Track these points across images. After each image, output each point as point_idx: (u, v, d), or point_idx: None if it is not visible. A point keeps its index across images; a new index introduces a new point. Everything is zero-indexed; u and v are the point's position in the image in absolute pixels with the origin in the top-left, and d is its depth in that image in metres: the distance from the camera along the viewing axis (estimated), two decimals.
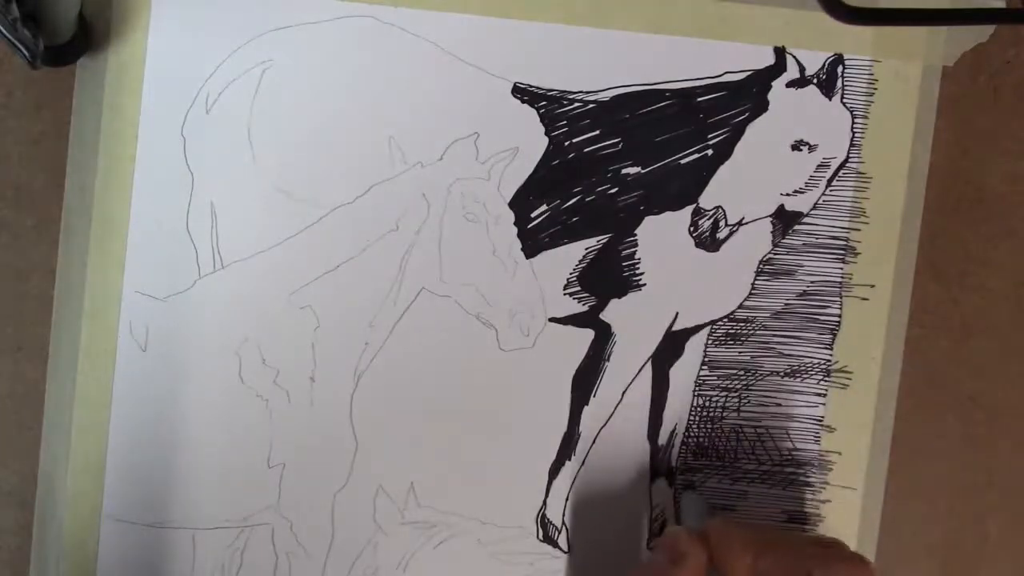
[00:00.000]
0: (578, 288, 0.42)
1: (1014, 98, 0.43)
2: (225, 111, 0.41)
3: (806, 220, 0.42)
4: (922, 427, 0.43)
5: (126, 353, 0.42)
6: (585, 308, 0.42)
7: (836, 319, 0.43)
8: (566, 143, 0.42)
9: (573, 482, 0.43)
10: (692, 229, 0.42)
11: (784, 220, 0.42)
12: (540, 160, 0.42)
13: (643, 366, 0.43)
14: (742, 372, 0.43)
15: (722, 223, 0.42)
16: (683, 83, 0.42)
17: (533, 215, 0.42)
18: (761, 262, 0.43)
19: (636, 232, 0.42)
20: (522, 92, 0.42)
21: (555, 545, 0.43)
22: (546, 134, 0.42)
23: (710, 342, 0.43)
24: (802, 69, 0.42)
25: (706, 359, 0.43)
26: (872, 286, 0.43)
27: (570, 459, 0.43)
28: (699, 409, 0.43)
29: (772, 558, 0.35)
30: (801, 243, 0.43)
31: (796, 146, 0.42)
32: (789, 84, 0.42)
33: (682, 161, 0.42)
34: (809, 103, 0.42)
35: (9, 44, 0.36)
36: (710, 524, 0.38)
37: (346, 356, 0.42)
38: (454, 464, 0.42)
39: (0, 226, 0.42)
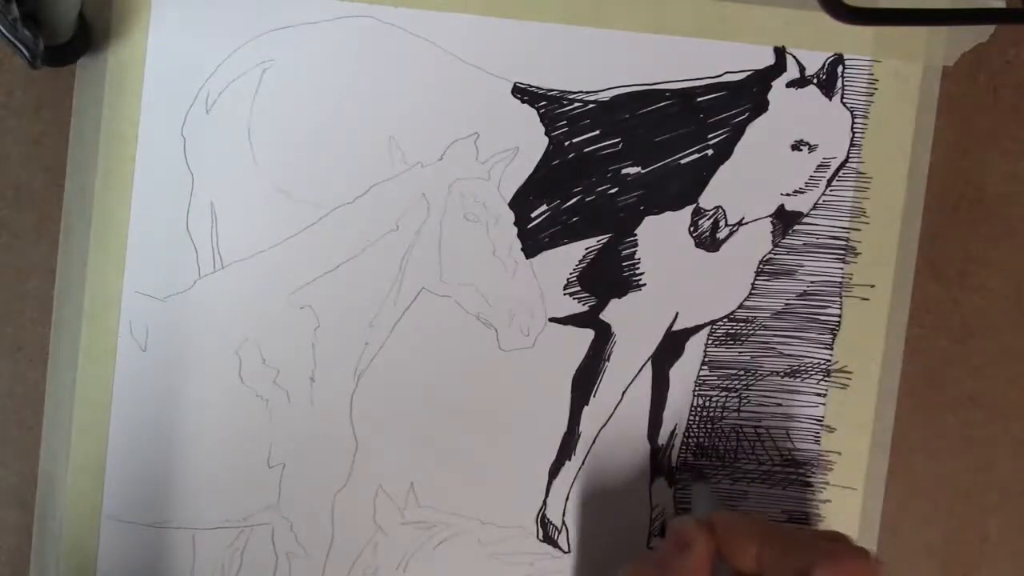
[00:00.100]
0: (578, 288, 0.42)
1: (1014, 98, 0.43)
2: (225, 111, 0.41)
3: (806, 220, 0.42)
4: (922, 427, 0.43)
5: (126, 353, 0.42)
6: (585, 308, 0.42)
7: (836, 319, 0.43)
8: (566, 143, 0.42)
9: (573, 482, 0.43)
10: (692, 229, 0.42)
11: (784, 220, 0.42)
12: (540, 160, 0.42)
13: (643, 366, 0.43)
14: (742, 372, 0.43)
15: (722, 223, 0.42)
16: (683, 83, 0.42)
17: (533, 215, 0.42)
18: (761, 262, 0.43)
19: (636, 232, 0.42)
20: (522, 92, 0.42)
21: (555, 545, 0.43)
22: (546, 134, 0.42)
23: (710, 342, 0.43)
24: (802, 69, 0.42)
25: (706, 359, 0.43)
26: (872, 286, 0.43)
27: (570, 459, 0.43)
28: (699, 409, 0.43)
29: (777, 549, 0.35)
30: (801, 243, 0.43)
31: (796, 146, 0.42)
32: (789, 84, 0.42)
33: (682, 161, 0.42)
34: (809, 103, 0.42)
35: (9, 44, 0.36)
36: (716, 515, 0.38)
37: (346, 356, 0.42)
38: (454, 464, 0.42)
39: (0, 226, 0.42)
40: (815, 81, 0.42)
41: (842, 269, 0.43)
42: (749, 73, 0.42)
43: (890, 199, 0.42)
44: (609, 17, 0.41)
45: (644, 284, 0.42)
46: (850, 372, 0.43)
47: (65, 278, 0.41)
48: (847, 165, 0.42)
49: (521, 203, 0.42)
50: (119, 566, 0.42)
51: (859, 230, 0.42)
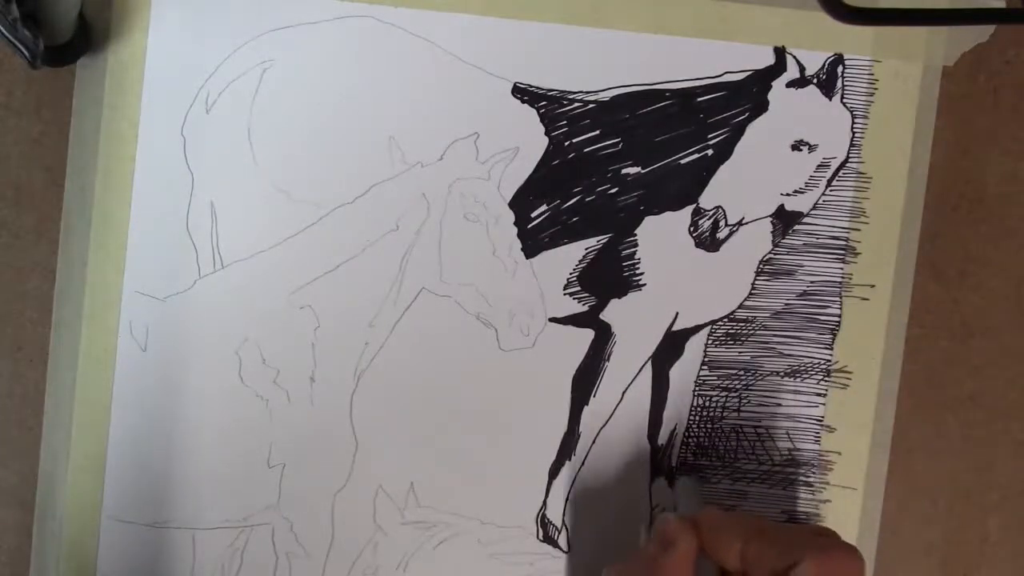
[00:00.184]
0: (578, 288, 0.42)
1: (1014, 98, 0.43)
2: (225, 111, 0.41)
3: (806, 220, 0.42)
4: (922, 427, 0.43)
5: (126, 353, 0.42)
6: (585, 308, 0.42)
7: (836, 319, 0.43)
8: (566, 143, 0.42)
9: (573, 482, 0.43)
10: (692, 229, 0.42)
11: (784, 220, 0.42)
12: (540, 160, 0.42)
13: (643, 366, 0.43)
14: (742, 372, 0.43)
15: (722, 223, 0.42)
16: (683, 83, 0.42)
17: (533, 215, 0.42)
18: (761, 262, 0.43)
19: (636, 232, 0.42)
20: (522, 92, 0.42)
21: (555, 545, 0.43)
22: (546, 134, 0.42)
23: (710, 342, 0.43)
24: (802, 69, 0.42)
25: (706, 359, 0.43)
26: (872, 286, 0.43)
27: (570, 459, 0.43)
28: (699, 409, 0.43)
29: (761, 545, 0.35)
30: (801, 243, 0.43)
31: (796, 146, 0.42)
32: (789, 84, 0.42)
33: (682, 161, 0.42)
34: (809, 103, 0.42)
35: (9, 44, 0.36)
36: (701, 512, 0.38)
37: (346, 356, 0.42)
38: (454, 464, 0.42)
39: (0, 226, 0.42)
40: (815, 81, 0.42)
41: (842, 269, 0.43)
42: (749, 73, 0.42)
43: (890, 199, 0.42)
44: (609, 17, 0.41)
45: (644, 284, 0.42)
46: (850, 372, 0.43)
47: (65, 278, 0.41)
48: (847, 165, 0.42)
49: (521, 203, 0.42)
50: (119, 566, 0.42)
51: (859, 230, 0.42)
